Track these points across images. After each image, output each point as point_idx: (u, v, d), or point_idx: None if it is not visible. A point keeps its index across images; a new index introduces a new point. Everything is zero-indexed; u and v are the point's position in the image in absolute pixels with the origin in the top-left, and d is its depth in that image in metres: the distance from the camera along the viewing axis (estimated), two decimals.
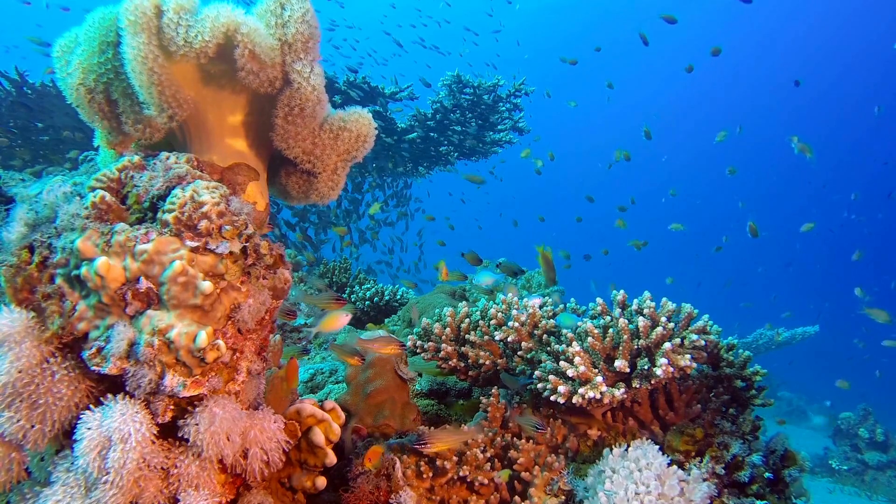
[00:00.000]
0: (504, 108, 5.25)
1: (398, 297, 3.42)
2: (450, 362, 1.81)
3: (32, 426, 0.78)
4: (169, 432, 0.85)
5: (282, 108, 1.06)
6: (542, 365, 1.58)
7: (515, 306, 1.80)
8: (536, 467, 1.46)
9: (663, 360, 1.43)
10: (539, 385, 1.53)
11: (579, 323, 1.63)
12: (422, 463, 1.37)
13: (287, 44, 1.02)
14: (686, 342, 1.51)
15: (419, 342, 1.86)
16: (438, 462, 1.36)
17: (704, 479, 1.46)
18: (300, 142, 1.12)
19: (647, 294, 1.62)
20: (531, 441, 1.52)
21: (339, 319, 1.46)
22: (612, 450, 1.49)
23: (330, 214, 5.44)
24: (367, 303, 3.36)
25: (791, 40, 23.18)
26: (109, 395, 0.80)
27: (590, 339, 1.53)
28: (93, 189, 0.89)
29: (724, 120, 26.23)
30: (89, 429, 0.76)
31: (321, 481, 1.08)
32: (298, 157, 1.15)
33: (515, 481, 1.46)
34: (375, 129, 1.19)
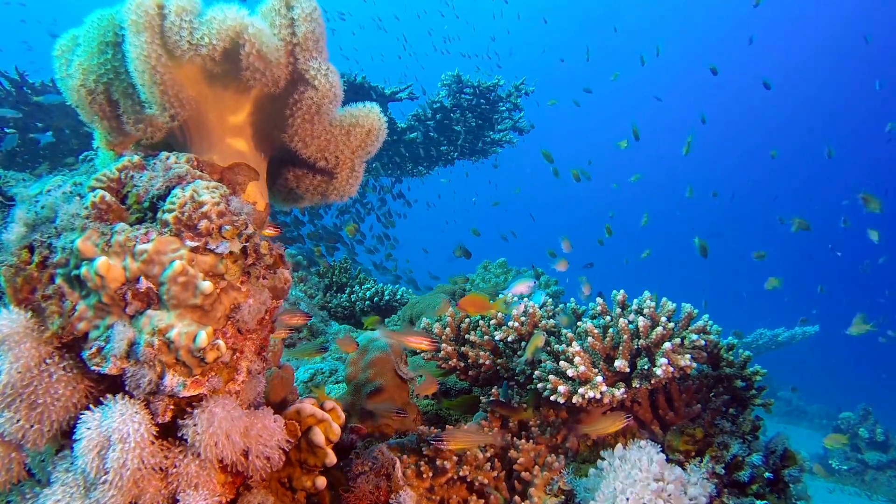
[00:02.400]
0: (504, 108, 5.26)
1: (398, 296, 3.42)
2: (450, 362, 1.81)
3: (32, 426, 0.78)
4: (169, 432, 0.85)
5: (298, 108, 1.06)
6: (542, 365, 1.58)
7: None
8: (536, 467, 1.45)
9: (663, 360, 1.43)
10: (539, 385, 1.53)
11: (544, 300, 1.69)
12: (422, 463, 1.37)
13: (297, 43, 1.02)
14: (686, 342, 1.51)
15: None
16: (438, 462, 1.36)
17: (704, 479, 1.46)
18: (315, 140, 1.12)
19: (647, 294, 1.62)
20: (531, 441, 1.52)
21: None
22: (612, 450, 1.49)
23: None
24: (367, 303, 3.36)
25: (789, 42, 23.19)
26: (109, 395, 0.80)
27: (590, 338, 1.53)
28: (93, 189, 0.89)
29: (723, 119, 26.24)
30: (89, 429, 0.76)
31: (321, 481, 1.07)
32: (313, 155, 1.15)
33: (515, 481, 1.46)
34: (385, 122, 1.19)
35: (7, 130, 3.64)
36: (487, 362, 1.77)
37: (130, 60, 0.94)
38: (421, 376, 1.97)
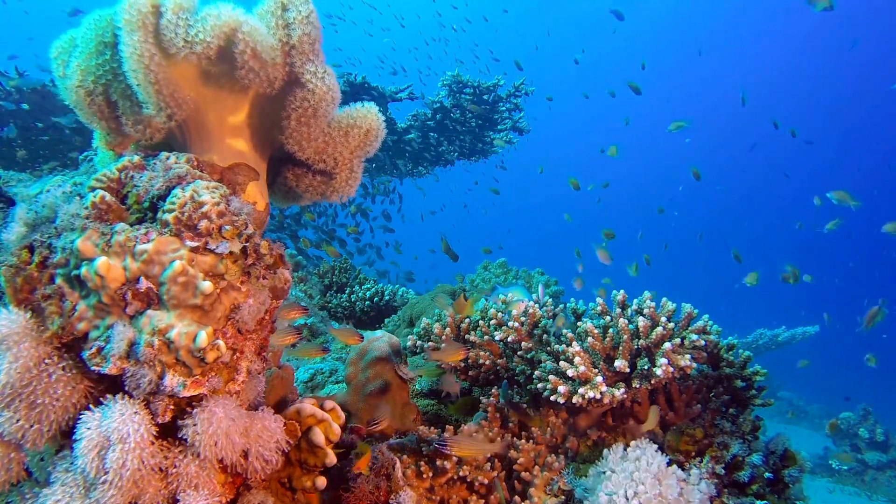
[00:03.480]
0: (504, 108, 5.26)
1: (398, 296, 3.42)
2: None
3: (31, 426, 0.78)
4: (169, 432, 0.85)
5: (294, 111, 1.06)
6: (542, 365, 1.58)
7: (514, 306, 1.79)
8: (536, 467, 1.45)
9: (663, 360, 1.43)
10: (539, 385, 1.53)
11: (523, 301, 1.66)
12: (422, 463, 1.37)
13: (293, 46, 1.02)
14: (686, 342, 1.51)
15: (419, 342, 1.86)
16: (438, 462, 1.36)
17: (704, 479, 1.46)
18: (312, 142, 1.12)
19: (647, 294, 1.62)
20: (531, 441, 1.52)
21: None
22: (611, 450, 1.49)
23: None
24: (367, 303, 3.36)
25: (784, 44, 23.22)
26: (109, 395, 0.80)
27: (590, 339, 1.53)
28: (93, 189, 0.89)
29: (723, 117, 26.24)
30: (88, 429, 0.76)
31: (321, 481, 1.07)
32: (311, 157, 1.14)
33: (515, 481, 1.46)
34: (384, 122, 1.19)
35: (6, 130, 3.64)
36: (487, 362, 1.77)
37: (125, 60, 0.94)
38: (421, 376, 1.97)
